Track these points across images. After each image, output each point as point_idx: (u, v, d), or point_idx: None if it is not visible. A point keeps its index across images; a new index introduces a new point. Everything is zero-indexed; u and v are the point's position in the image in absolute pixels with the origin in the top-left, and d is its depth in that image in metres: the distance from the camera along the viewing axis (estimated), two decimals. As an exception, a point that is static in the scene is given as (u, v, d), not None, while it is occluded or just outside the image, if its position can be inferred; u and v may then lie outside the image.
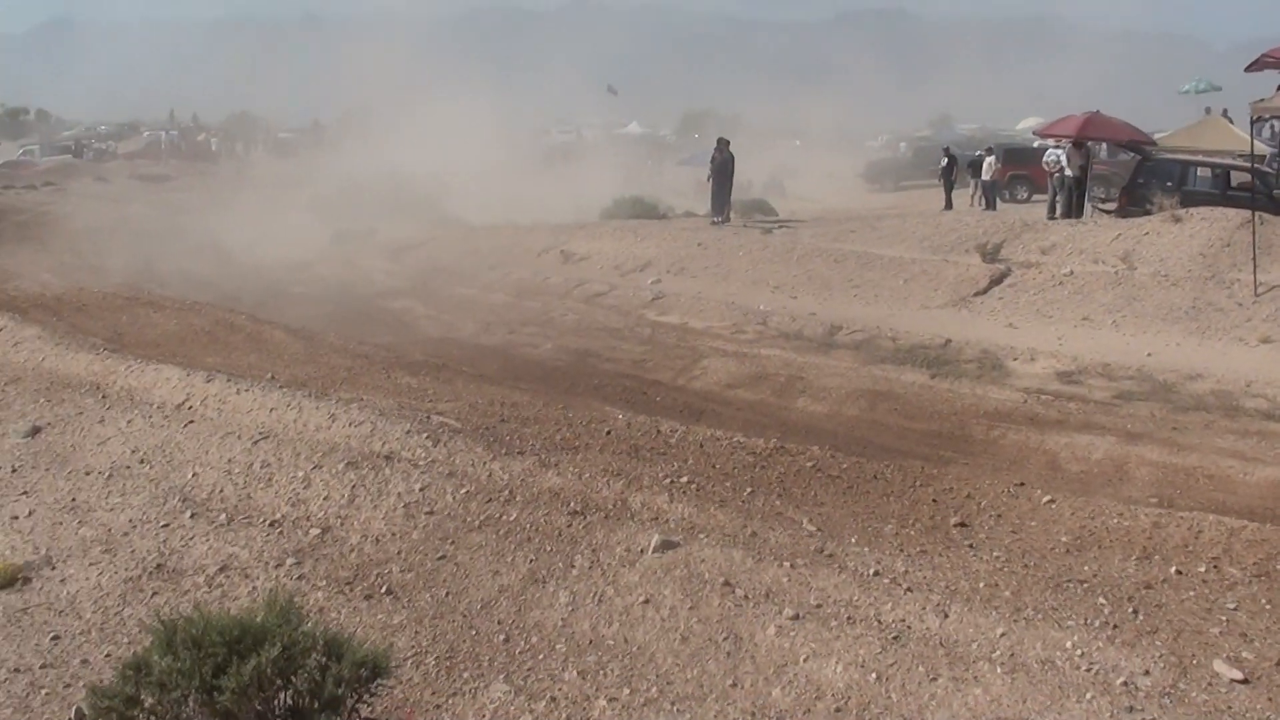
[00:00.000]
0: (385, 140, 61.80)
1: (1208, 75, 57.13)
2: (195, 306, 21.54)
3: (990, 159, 40.27)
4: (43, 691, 8.24)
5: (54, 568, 9.97)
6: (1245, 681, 7.44)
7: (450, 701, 7.98)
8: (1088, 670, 7.54)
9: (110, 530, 10.49)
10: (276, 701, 6.99)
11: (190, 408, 12.68)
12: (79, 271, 29.70)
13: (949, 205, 39.92)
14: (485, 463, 10.65)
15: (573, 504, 9.91)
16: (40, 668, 8.52)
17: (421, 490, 10.24)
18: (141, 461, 11.73)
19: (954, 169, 41.76)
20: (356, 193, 42.21)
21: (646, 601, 8.62)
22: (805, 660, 7.95)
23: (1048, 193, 33.92)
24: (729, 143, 36.42)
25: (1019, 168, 44.28)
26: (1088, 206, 32.47)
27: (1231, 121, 40.99)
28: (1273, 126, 38.21)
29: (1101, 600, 8.40)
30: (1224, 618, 8.27)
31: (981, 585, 8.56)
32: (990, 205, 38.97)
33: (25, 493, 11.47)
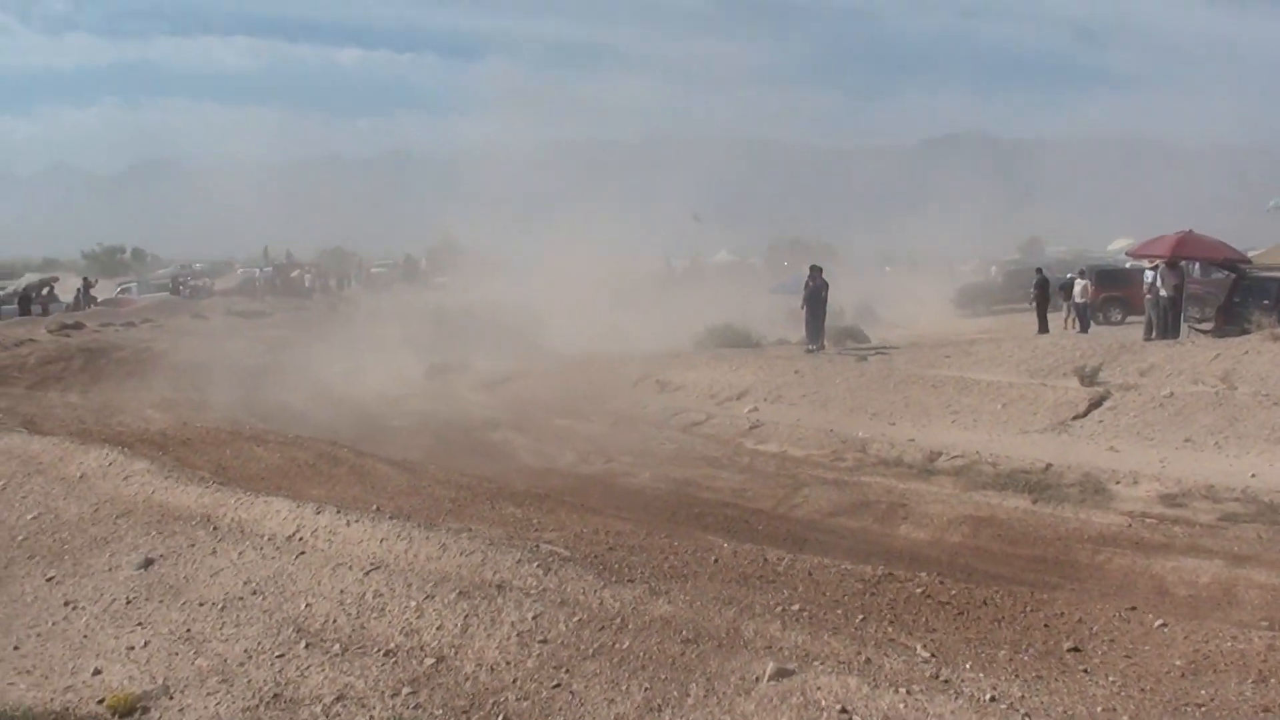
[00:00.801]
0: (476, 273, 62.42)
1: (1291, 190, 56.84)
2: (297, 440, 21.81)
3: (1084, 281, 40.10)
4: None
5: (171, 697, 10.07)
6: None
7: (571, 831, 8.00)
8: (1211, 796, 7.48)
9: (226, 660, 10.59)
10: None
11: (301, 539, 12.82)
12: (181, 407, 30.22)
13: (1042, 329, 39.64)
14: (596, 591, 10.69)
15: (685, 632, 9.92)
16: (164, 798, 8.62)
17: (534, 619, 10.29)
18: (254, 592, 11.84)
19: (1046, 289, 41.40)
20: (449, 326, 42.77)
21: (763, 730, 8.61)
22: (926, 787, 7.92)
23: (1144, 314, 33.80)
24: (821, 270, 36.71)
25: (1112, 290, 44.13)
26: (1184, 327, 32.29)
27: (1323, 236, 40.83)
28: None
29: (1221, 725, 8.32)
30: (1347, 742, 8.17)
31: (1099, 710, 8.49)
32: (1084, 328, 38.78)
33: (140, 624, 11.60)
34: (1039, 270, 44.29)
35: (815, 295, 35.66)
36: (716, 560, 12.10)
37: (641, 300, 51.40)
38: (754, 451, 24.37)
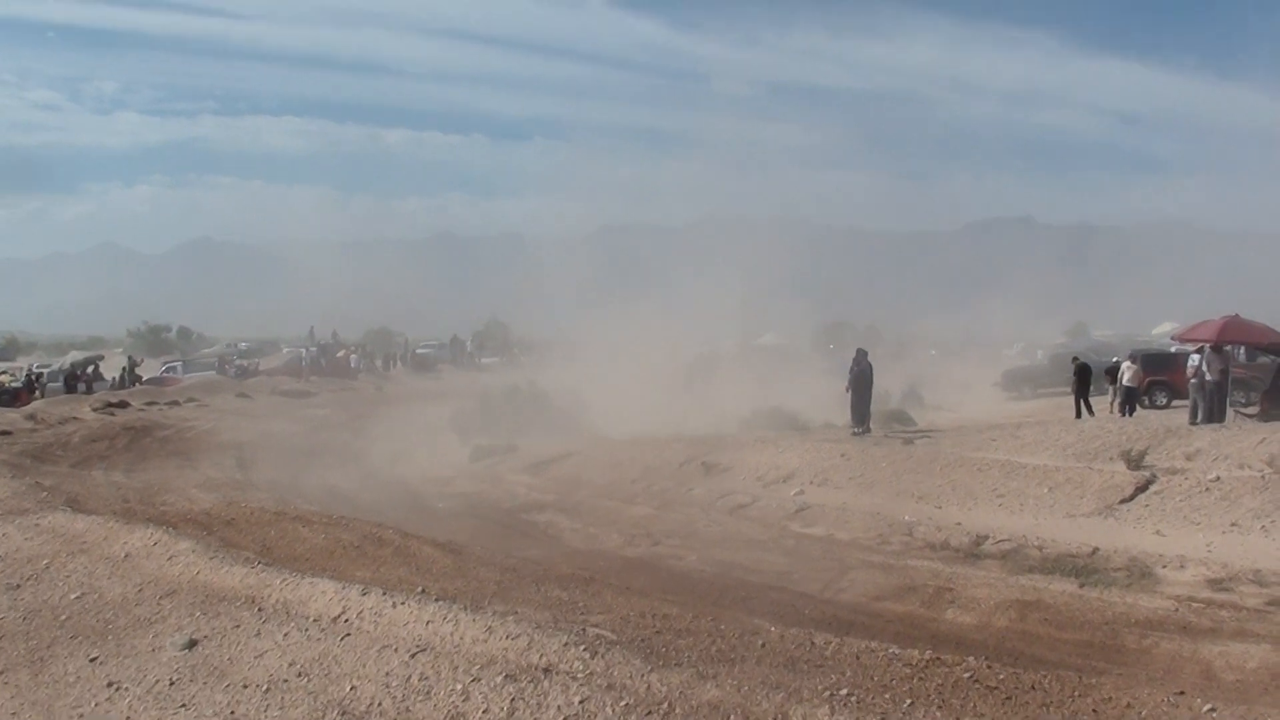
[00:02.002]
0: (521, 355, 62.57)
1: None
2: (342, 521, 21.81)
3: (1134, 366, 39.91)
4: None
5: (217, 781, 10.10)
6: None
7: None
8: None
9: (270, 744, 10.60)
10: None
11: (346, 620, 12.81)
12: (225, 486, 30.38)
13: (1080, 414, 39.23)
14: (643, 675, 10.63)
15: (733, 717, 9.84)
16: None
17: (581, 703, 10.24)
18: (299, 674, 11.83)
19: (1085, 376, 40.78)
20: (495, 407, 42.97)
21: (811, 815, 8.56)
22: None
23: (1189, 398, 33.66)
24: (867, 353, 36.83)
25: (1159, 374, 43.92)
26: (1229, 411, 32.14)
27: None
28: None
29: (1272, 812, 8.25)
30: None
31: (1150, 798, 8.44)
32: (1125, 411, 38.58)
33: (184, 705, 11.60)
34: (1075, 359, 44.04)
35: (861, 378, 35.74)
36: (764, 644, 12.05)
37: (688, 382, 51.52)
38: (800, 535, 24.28)
